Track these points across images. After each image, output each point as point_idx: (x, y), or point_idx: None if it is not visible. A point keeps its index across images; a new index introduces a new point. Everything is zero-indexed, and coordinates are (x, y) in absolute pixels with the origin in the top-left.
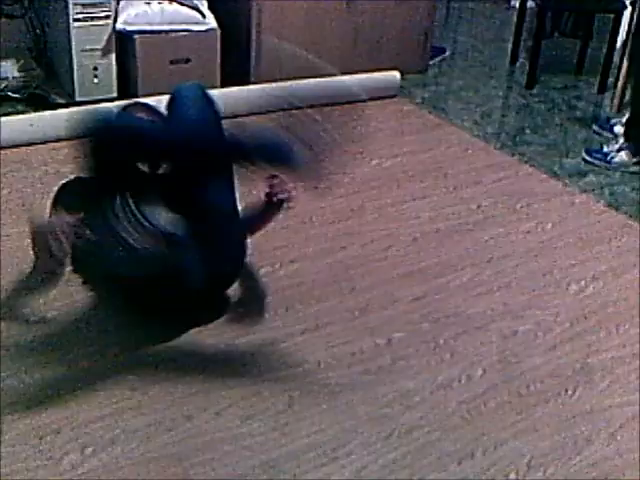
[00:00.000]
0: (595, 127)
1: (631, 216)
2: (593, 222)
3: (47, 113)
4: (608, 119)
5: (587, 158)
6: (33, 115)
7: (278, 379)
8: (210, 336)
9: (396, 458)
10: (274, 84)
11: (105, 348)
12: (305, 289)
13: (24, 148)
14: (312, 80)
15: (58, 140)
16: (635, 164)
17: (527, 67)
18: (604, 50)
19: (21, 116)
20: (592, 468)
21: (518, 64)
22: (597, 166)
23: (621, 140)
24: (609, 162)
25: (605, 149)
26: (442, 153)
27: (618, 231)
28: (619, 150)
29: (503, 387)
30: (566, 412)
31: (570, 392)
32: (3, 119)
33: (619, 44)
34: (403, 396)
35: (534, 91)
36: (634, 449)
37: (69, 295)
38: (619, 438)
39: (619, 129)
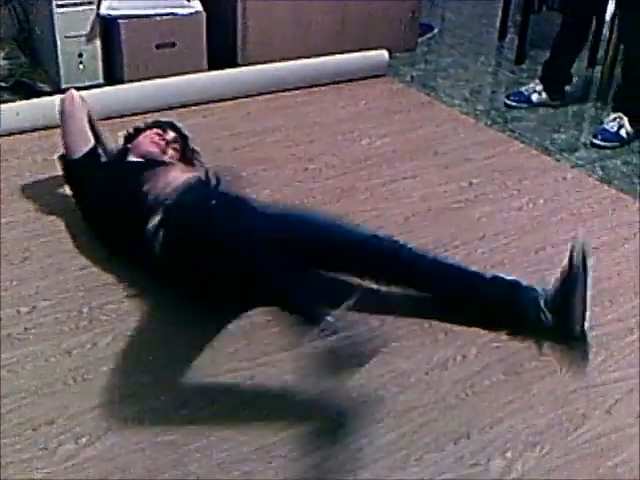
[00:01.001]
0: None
1: (623, 190)
2: (585, 197)
3: (33, 101)
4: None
5: (508, 102)
6: (19, 103)
7: (272, 363)
8: (200, 322)
9: (392, 440)
10: (261, 66)
11: (97, 336)
12: None
13: (11, 137)
14: (300, 61)
15: (45, 128)
16: (552, 101)
17: (516, 42)
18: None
19: (7, 105)
20: (589, 444)
21: (507, 40)
22: (520, 108)
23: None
24: (530, 102)
25: (523, 90)
26: (432, 131)
27: (610, 206)
28: (535, 91)
29: (498, 366)
30: (561, 389)
31: (565, 369)
32: None
33: (608, 17)
34: (398, 377)
35: (523, 66)
36: (631, 424)
37: (60, 284)
38: (615, 413)
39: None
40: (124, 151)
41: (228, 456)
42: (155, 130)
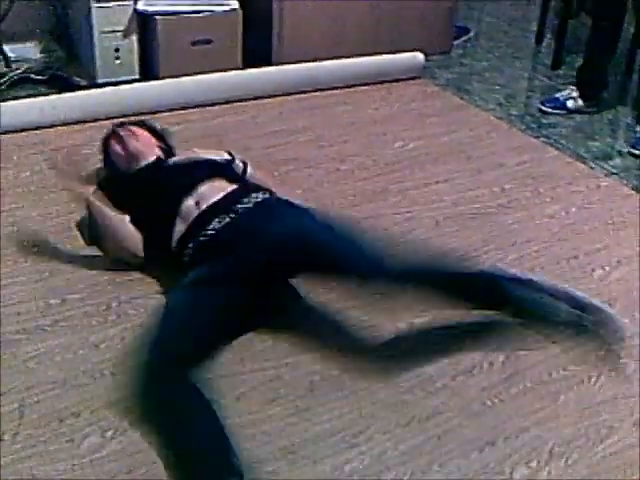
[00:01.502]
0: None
1: None
2: (619, 206)
3: (69, 95)
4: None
5: (543, 109)
6: (55, 97)
7: (299, 364)
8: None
9: (416, 444)
10: (296, 65)
11: (126, 331)
12: None
13: (46, 130)
14: (334, 62)
15: (80, 122)
16: (587, 107)
17: (553, 47)
18: (631, 30)
19: (43, 98)
20: (615, 457)
21: (544, 44)
22: (555, 114)
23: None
24: (565, 108)
25: (559, 96)
26: (466, 135)
27: None
28: (571, 97)
29: (525, 374)
30: (589, 399)
31: (594, 379)
32: (25, 101)
33: None
34: (424, 382)
35: (560, 72)
36: None
37: (90, 277)
38: None
39: None
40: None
41: (252, 455)
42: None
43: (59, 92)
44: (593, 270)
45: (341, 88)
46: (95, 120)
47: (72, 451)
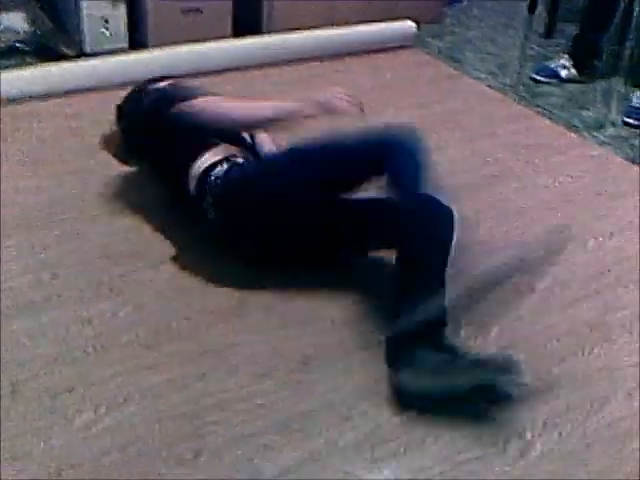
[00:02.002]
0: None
1: None
2: (612, 176)
3: (57, 65)
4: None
5: (537, 78)
6: (43, 67)
7: (292, 337)
8: (221, 293)
9: (411, 416)
10: (287, 34)
11: (118, 306)
12: None
13: (34, 101)
14: (325, 31)
15: (69, 93)
16: (580, 76)
17: (545, 16)
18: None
19: (30, 68)
20: (608, 428)
21: (536, 13)
22: (548, 84)
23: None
24: (558, 77)
25: (551, 65)
26: (458, 104)
27: (636, 185)
28: (564, 67)
29: (518, 346)
30: (582, 371)
31: (587, 350)
32: (13, 72)
33: None
34: None
35: (553, 41)
36: None
37: (82, 252)
38: (636, 397)
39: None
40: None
41: (245, 429)
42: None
43: (47, 62)
44: (586, 240)
45: (333, 57)
46: (85, 90)
47: (66, 427)
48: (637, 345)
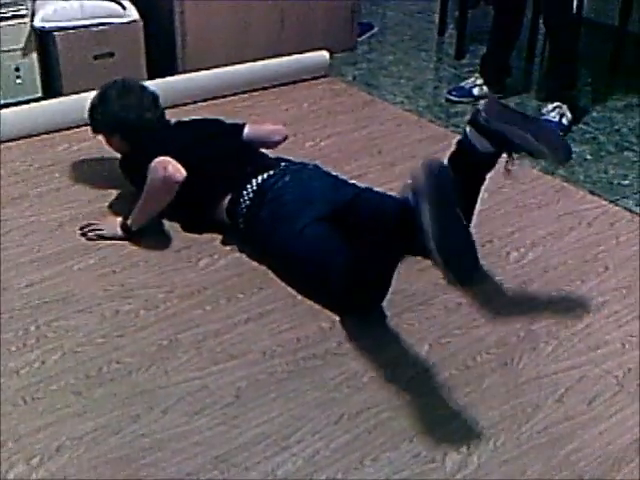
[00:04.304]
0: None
1: (567, 180)
2: (529, 188)
3: None
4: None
5: (450, 98)
6: None
7: (224, 371)
8: (151, 333)
9: (348, 441)
10: (202, 73)
11: (46, 354)
12: (246, 278)
13: None
14: (240, 66)
15: None
16: (492, 94)
17: (455, 38)
18: (530, 15)
19: None
20: (542, 434)
21: (447, 35)
22: (462, 103)
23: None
24: (472, 96)
25: (464, 84)
26: (376, 130)
27: (554, 196)
28: (476, 85)
29: (450, 361)
30: (513, 380)
31: (516, 360)
32: None
33: None
34: (351, 378)
35: (464, 61)
36: (583, 411)
37: (6, 302)
38: (567, 402)
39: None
40: None
41: (183, 468)
42: None
43: None
44: (508, 253)
45: (249, 92)
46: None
47: None
48: (563, 351)
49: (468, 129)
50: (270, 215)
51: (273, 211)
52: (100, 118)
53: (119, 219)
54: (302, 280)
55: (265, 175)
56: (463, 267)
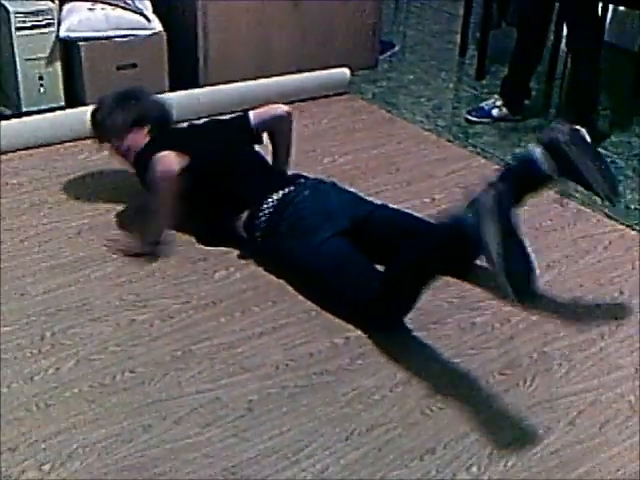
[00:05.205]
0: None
1: (583, 203)
2: (546, 211)
3: None
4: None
5: (470, 118)
6: None
7: (236, 384)
8: (165, 343)
9: (358, 457)
10: (223, 86)
11: (60, 361)
12: (261, 291)
13: None
14: (261, 81)
15: (3, 152)
16: (512, 115)
17: (476, 59)
18: (552, 38)
19: None
20: (553, 456)
21: (467, 56)
22: (481, 123)
23: (496, 97)
24: (491, 117)
25: (484, 105)
26: (394, 148)
27: (571, 218)
28: (495, 106)
29: (462, 381)
30: (525, 402)
31: (529, 382)
32: None
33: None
34: (362, 395)
35: (484, 82)
36: (594, 435)
37: (24, 308)
38: (579, 425)
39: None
40: None
41: (193, 479)
42: None
43: None
44: None
45: None
46: (19, 150)
47: None
48: (576, 374)
49: (539, 150)
50: (289, 229)
51: (292, 225)
52: (108, 122)
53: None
54: (321, 294)
55: (286, 190)
56: (525, 287)
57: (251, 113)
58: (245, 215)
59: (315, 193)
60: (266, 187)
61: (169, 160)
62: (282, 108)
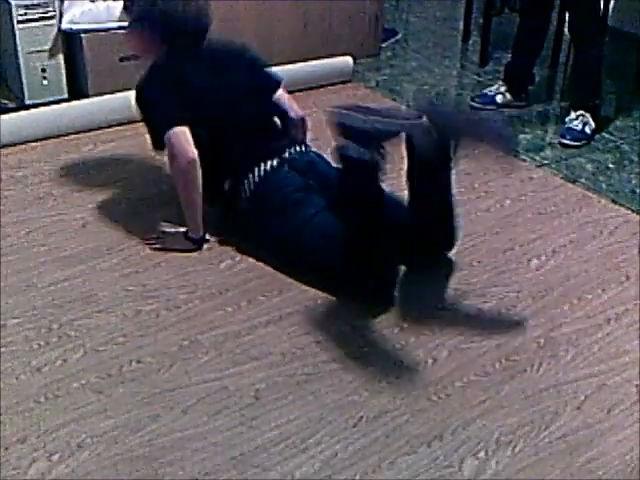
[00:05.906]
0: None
1: (588, 188)
2: (551, 196)
3: None
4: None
5: (474, 105)
6: None
7: (243, 372)
8: (172, 333)
9: (365, 444)
10: None
11: (68, 352)
12: (267, 280)
13: None
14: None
15: (7, 146)
16: (516, 101)
17: (479, 45)
18: (555, 23)
19: None
20: (560, 441)
21: (470, 42)
22: (485, 110)
23: (500, 83)
24: (495, 103)
25: (488, 92)
26: None
27: (576, 204)
28: (499, 92)
29: (469, 366)
30: (532, 387)
31: (535, 367)
32: None
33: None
34: (369, 382)
35: (488, 68)
36: (602, 420)
37: (30, 299)
38: (586, 410)
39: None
40: None
41: (202, 468)
42: None
43: None
44: (529, 260)
45: None
46: (25, 142)
47: (20, 478)
48: (583, 359)
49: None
50: (273, 204)
51: (277, 201)
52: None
53: (182, 230)
54: (310, 268)
55: (278, 159)
56: None
57: (282, 90)
58: (229, 182)
59: (299, 166)
60: (259, 154)
61: (183, 149)
62: (298, 114)
